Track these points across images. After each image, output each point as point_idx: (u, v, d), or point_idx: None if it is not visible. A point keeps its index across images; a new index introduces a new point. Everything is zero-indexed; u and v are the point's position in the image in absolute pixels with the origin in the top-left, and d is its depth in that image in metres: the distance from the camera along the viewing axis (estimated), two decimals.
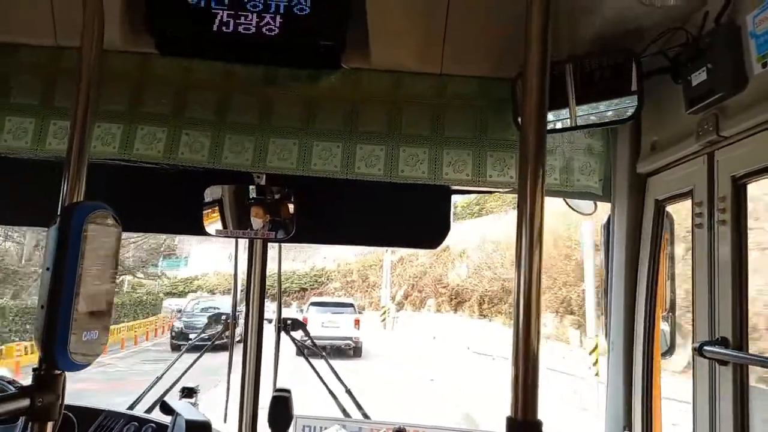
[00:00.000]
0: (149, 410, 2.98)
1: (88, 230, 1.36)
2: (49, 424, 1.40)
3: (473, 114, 2.54)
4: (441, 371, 20.16)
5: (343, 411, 3.15)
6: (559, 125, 2.27)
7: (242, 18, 2.30)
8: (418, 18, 2.34)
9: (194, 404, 3.01)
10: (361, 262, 43.36)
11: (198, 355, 3.43)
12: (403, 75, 2.55)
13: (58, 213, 1.43)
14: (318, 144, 2.52)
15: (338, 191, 2.73)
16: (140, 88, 2.55)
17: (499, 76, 2.47)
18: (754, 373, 1.82)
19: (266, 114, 2.54)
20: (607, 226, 2.60)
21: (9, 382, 2.53)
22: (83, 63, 1.60)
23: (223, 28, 2.30)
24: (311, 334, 3.50)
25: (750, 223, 1.81)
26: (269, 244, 3.02)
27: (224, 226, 2.74)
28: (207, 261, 43.76)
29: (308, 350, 3.46)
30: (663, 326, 2.36)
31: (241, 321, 3.12)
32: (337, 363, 3.37)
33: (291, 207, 2.71)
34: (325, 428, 2.90)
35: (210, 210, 2.73)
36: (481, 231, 32.34)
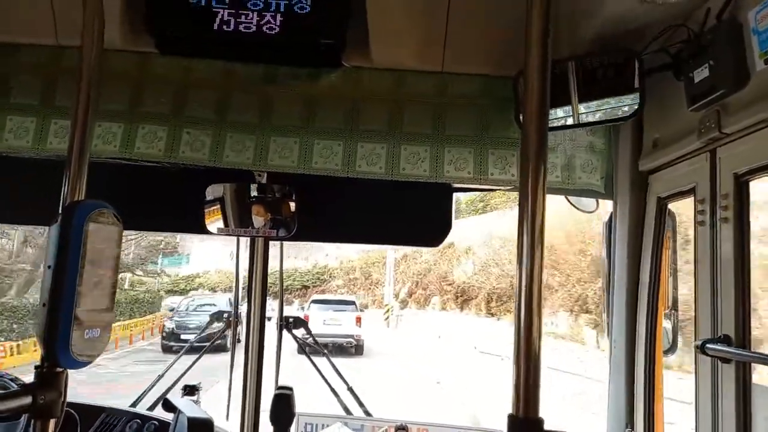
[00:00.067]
0: (152, 408, 3.00)
1: (89, 228, 1.36)
2: (51, 422, 1.40)
3: (475, 112, 2.53)
4: (447, 372, 19.59)
5: (345, 408, 3.16)
6: (560, 123, 2.27)
7: (243, 17, 2.30)
8: (419, 16, 2.34)
9: (196, 402, 3.02)
10: (363, 260, 43.02)
11: (201, 352, 3.44)
12: (404, 73, 2.54)
13: (60, 212, 1.43)
14: (319, 142, 2.52)
15: (339, 189, 2.73)
16: (141, 87, 2.55)
17: (500, 74, 2.46)
18: (756, 372, 1.82)
19: (267, 112, 2.54)
20: (609, 224, 2.60)
21: (12, 380, 2.54)
22: (83, 62, 1.60)
23: (224, 27, 2.30)
24: (313, 332, 3.51)
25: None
26: (271, 242, 3.02)
27: (226, 224, 2.75)
28: (209, 259, 43.74)
29: (310, 348, 3.47)
30: (665, 324, 2.36)
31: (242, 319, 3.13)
32: (338, 361, 3.38)
33: (292, 205, 2.71)
34: (327, 426, 2.91)
35: (211, 208, 2.73)
36: (486, 227, 31.66)
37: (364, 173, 2.51)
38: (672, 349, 2.36)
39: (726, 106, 1.81)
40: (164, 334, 25.21)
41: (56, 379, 1.40)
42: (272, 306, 3.51)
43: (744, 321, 1.79)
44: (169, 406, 2.71)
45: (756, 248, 1.84)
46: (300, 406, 2.79)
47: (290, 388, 2.72)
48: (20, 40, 2.54)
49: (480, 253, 32.38)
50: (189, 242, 44.51)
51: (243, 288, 3.18)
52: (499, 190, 2.69)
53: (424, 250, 35.58)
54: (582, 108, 2.20)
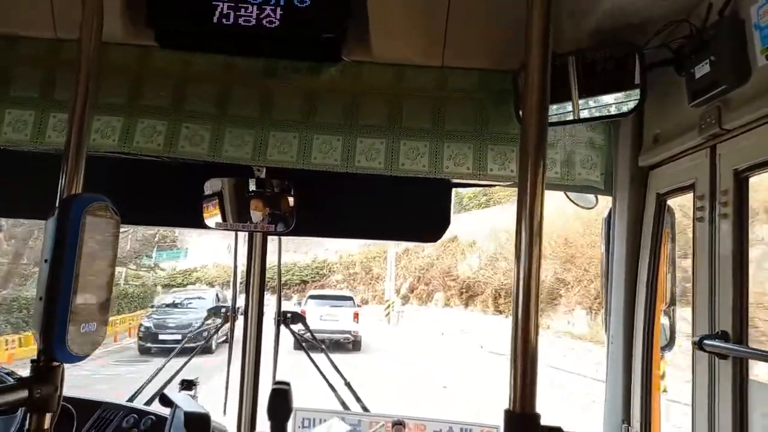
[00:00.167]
0: (148, 402, 2.99)
1: (86, 222, 1.36)
2: (48, 416, 1.40)
3: (474, 107, 2.52)
4: (452, 372, 18.32)
5: (343, 404, 3.16)
6: (560, 118, 2.26)
7: (242, 10, 2.28)
8: (419, 10, 2.33)
9: (193, 396, 3.02)
10: (364, 254, 42.34)
11: (199, 346, 3.44)
12: (403, 68, 2.54)
13: (57, 205, 1.42)
14: (318, 137, 2.51)
15: (338, 184, 2.72)
16: (140, 80, 2.54)
17: (500, 68, 2.46)
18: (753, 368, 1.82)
19: (266, 107, 2.53)
20: (608, 220, 2.59)
21: (8, 374, 2.54)
22: (82, 55, 1.59)
23: (223, 20, 2.28)
24: (310, 328, 3.51)
25: None
26: (269, 237, 3.02)
27: (224, 219, 2.74)
28: (207, 253, 43.57)
29: (307, 343, 3.47)
30: (663, 320, 2.36)
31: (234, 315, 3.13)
32: (335, 357, 3.38)
33: (291, 200, 2.70)
34: (325, 420, 2.91)
35: (210, 203, 2.73)
36: (490, 221, 30.49)
37: (363, 168, 2.50)
38: (670, 345, 2.36)
39: (727, 102, 1.80)
40: (141, 334, 22.22)
41: (52, 373, 1.39)
42: (269, 302, 3.51)
43: (741, 317, 1.79)
44: (166, 401, 2.71)
45: None
46: (297, 401, 2.79)
47: (288, 383, 2.72)
48: (19, 33, 2.52)
49: (486, 247, 31.19)
50: (187, 235, 44.40)
51: (241, 283, 3.18)
52: (498, 185, 2.68)
53: (426, 244, 35.18)
54: (582, 103, 2.19)
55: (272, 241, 3.12)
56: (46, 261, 1.34)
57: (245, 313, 2.99)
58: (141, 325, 22.90)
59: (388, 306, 34.17)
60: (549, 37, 1.30)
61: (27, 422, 1.39)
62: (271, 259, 3.11)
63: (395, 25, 2.37)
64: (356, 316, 23.70)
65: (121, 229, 1.50)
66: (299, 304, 28.18)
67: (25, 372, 1.48)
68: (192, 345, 3.69)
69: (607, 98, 2.17)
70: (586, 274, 22.79)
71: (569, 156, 2.53)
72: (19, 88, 2.52)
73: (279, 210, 2.73)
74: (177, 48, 2.52)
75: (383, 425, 2.87)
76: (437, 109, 2.52)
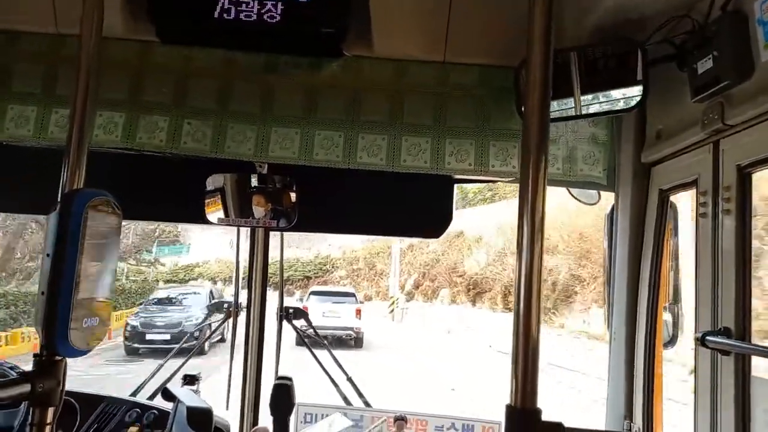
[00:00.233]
0: (151, 397, 3.01)
1: (88, 217, 1.36)
2: (50, 410, 1.40)
3: (476, 103, 2.52)
4: (458, 371, 17.73)
5: (345, 399, 3.17)
6: (562, 114, 2.25)
7: (243, 5, 2.28)
8: (421, 5, 2.32)
9: (196, 391, 3.03)
10: (367, 249, 41.75)
11: (202, 340, 3.45)
12: (405, 63, 2.53)
13: (59, 200, 1.43)
14: (320, 133, 2.51)
15: (340, 180, 2.72)
16: (142, 76, 2.54)
17: (502, 64, 2.45)
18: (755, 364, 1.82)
19: (268, 102, 2.53)
20: (611, 216, 2.59)
21: (11, 368, 2.55)
22: (82, 51, 1.59)
23: (224, 15, 2.28)
24: (312, 323, 3.52)
25: None
26: (271, 233, 3.02)
27: (226, 214, 2.75)
28: (209, 248, 43.49)
29: (309, 339, 3.48)
30: (665, 317, 2.36)
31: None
32: (336, 354, 3.39)
33: (293, 196, 2.71)
34: (327, 415, 2.92)
35: (212, 198, 2.73)
36: (496, 216, 29.24)
37: (364, 164, 2.50)
38: (672, 341, 2.36)
39: (730, 98, 1.79)
40: (127, 333, 20.48)
41: (55, 367, 1.40)
42: (271, 297, 3.52)
43: (744, 313, 1.78)
44: (168, 396, 2.72)
45: None
46: (299, 397, 2.80)
47: (290, 378, 2.73)
48: (20, 28, 2.52)
49: (493, 243, 30.10)
50: (191, 231, 44.40)
51: (243, 278, 3.18)
52: (500, 182, 2.68)
53: (432, 239, 34.57)
54: (584, 99, 2.19)
55: (274, 237, 3.13)
56: (48, 255, 1.35)
57: (247, 309, 3.00)
58: (127, 324, 21.04)
59: (392, 303, 33.74)
60: (551, 33, 1.30)
61: (30, 416, 1.40)
62: (273, 254, 3.11)
63: (397, 21, 2.37)
64: (358, 312, 23.65)
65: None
66: (301, 300, 28.05)
67: (28, 366, 1.48)
68: (187, 345, 3.71)
69: (609, 94, 2.16)
70: (602, 270, 22.00)
71: (571, 152, 2.53)
72: (21, 84, 2.52)
73: (281, 205, 2.74)
74: (178, 43, 2.52)
75: (385, 420, 2.88)
76: (439, 105, 2.51)
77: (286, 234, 3.31)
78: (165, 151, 2.52)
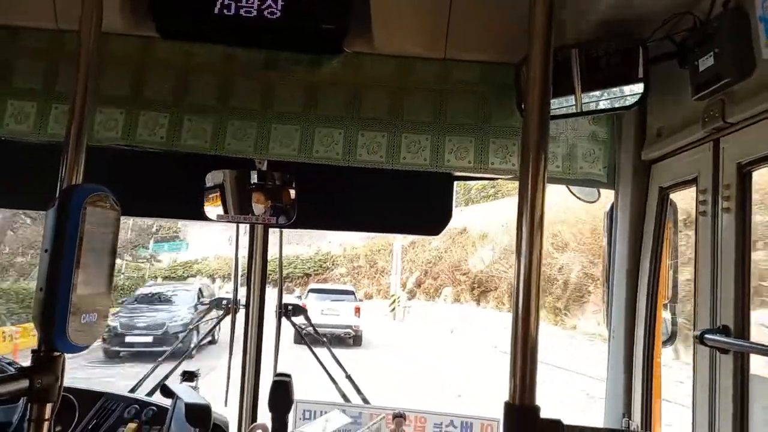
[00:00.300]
0: (150, 393, 3.01)
1: (86, 212, 1.36)
2: (48, 405, 1.40)
3: (476, 100, 2.52)
4: (461, 371, 17.03)
5: (343, 396, 3.17)
6: (563, 111, 2.24)
7: (244, 1, 2.28)
8: (422, 2, 2.31)
9: (195, 388, 3.03)
10: (368, 247, 40.97)
11: (202, 337, 3.45)
12: (405, 60, 2.53)
13: (57, 195, 1.42)
14: (320, 130, 2.51)
15: (340, 177, 2.72)
16: (142, 72, 2.53)
17: (503, 61, 2.44)
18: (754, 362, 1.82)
19: (268, 99, 2.53)
20: (611, 214, 2.59)
21: (9, 364, 2.55)
22: (82, 47, 1.58)
23: (225, 11, 2.28)
24: (311, 321, 3.51)
25: None
26: (270, 230, 3.02)
27: (226, 211, 2.74)
28: (208, 245, 43.29)
29: (308, 336, 3.48)
30: (665, 314, 2.36)
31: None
32: (335, 352, 3.38)
33: (292, 192, 2.70)
34: (325, 412, 2.92)
35: (211, 195, 2.73)
36: (499, 213, 28.26)
37: (364, 162, 2.50)
38: (671, 339, 2.36)
39: (731, 95, 1.79)
40: (105, 335, 17.85)
41: (53, 363, 1.39)
42: (270, 294, 3.52)
43: (743, 311, 1.78)
44: (167, 392, 2.72)
45: None
46: (298, 394, 2.80)
47: (288, 375, 2.73)
48: (20, 24, 2.52)
49: (498, 240, 29.07)
50: (190, 227, 44.24)
51: (242, 275, 3.18)
52: (500, 179, 2.68)
53: (433, 237, 33.99)
54: (585, 96, 2.18)
55: (273, 234, 3.13)
56: (46, 251, 1.34)
57: (246, 306, 3.00)
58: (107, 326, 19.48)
59: (394, 301, 33.09)
60: (552, 30, 1.29)
61: (28, 412, 1.40)
62: (273, 251, 3.11)
63: (397, 17, 2.36)
64: (357, 310, 23.53)
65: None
66: (300, 297, 27.91)
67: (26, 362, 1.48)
68: (181, 346, 3.69)
69: (611, 92, 2.15)
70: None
71: (571, 149, 2.52)
72: (21, 80, 2.52)
73: (280, 202, 2.73)
74: (178, 39, 2.51)
75: (384, 417, 2.88)
76: (439, 101, 2.51)
77: (285, 231, 3.30)
78: (165, 148, 2.51)
